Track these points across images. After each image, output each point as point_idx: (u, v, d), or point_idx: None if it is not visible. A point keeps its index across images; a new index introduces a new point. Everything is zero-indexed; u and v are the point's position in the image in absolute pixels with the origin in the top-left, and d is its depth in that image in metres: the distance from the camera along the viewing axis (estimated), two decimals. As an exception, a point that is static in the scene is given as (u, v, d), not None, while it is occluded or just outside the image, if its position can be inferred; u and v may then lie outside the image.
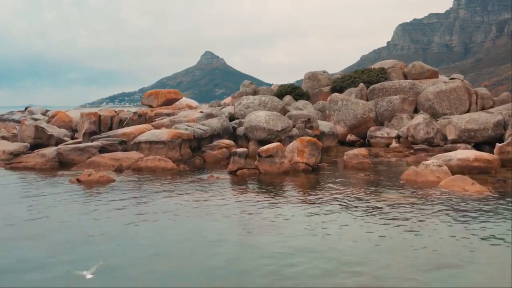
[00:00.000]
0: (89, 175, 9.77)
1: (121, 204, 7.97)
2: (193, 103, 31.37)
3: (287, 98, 20.08)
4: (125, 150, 13.11)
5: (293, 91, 21.12)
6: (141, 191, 9.17)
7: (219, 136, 14.81)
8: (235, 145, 14.22)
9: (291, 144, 11.69)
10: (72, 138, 15.66)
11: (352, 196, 8.56)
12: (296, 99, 20.74)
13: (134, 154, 12.25)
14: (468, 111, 18.96)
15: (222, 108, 19.38)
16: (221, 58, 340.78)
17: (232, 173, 10.87)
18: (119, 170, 11.46)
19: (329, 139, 15.86)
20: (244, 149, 11.02)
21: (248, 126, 14.17)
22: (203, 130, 14.11)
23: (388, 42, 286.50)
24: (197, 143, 14.14)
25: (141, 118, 15.89)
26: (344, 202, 8.00)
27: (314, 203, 7.96)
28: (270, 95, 21.18)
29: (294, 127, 14.90)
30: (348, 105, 18.04)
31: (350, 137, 17.31)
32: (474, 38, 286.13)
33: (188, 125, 14.22)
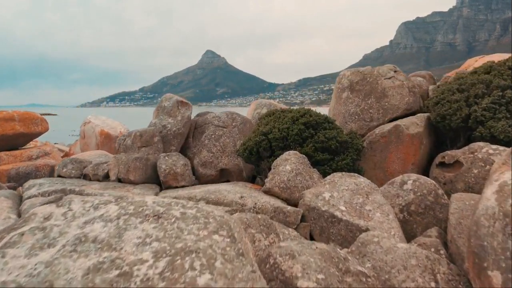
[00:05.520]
0: None
1: None
2: (116, 128, 16.05)
3: (291, 163, 5.08)
4: None
5: (309, 134, 5.98)
6: None
7: None
8: None
9: None
10: None
11: None
12: (320, 163, 5.68)
13: None
14: None
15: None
16: (222, 57, 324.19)
17: None
18: None
19: None
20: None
21: None
22: None
23: (390, 41, 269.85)
24: None
25: None
26: None
27: None
28: (247, 139, 5.96)
29: None
30: None
31: None
32: (478, 36, 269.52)
33: None
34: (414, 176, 5.25)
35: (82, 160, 6.95)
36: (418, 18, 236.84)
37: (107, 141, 14.93)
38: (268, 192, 5.20)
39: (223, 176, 6.57)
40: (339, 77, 7.58)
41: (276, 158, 5.51)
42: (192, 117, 7.64)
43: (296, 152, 5.43)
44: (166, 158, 6.14)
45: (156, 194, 5.75)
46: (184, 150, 7.06)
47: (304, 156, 5.43)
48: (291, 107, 6.69)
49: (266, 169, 5.71)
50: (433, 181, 5.18)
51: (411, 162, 6.14)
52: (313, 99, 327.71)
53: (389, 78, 7.14)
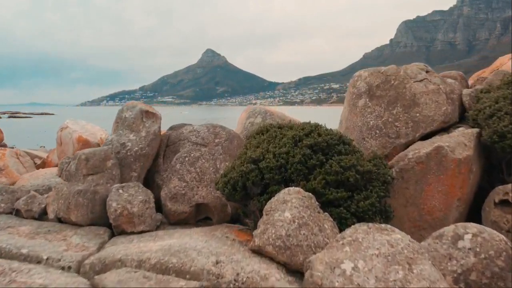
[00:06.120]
0: None
1: None
2: (97, 134, 14.19)
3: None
4: None
5: (318, 161, 4.17)
6: None
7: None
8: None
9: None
10: None
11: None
12: (334, 203, 3.98)
13: None
14: None
15: None
16: (222, 56, 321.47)
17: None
18: None
19: None
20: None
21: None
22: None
23: (391, 40, 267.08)
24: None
25: None
26: None
27: None
28: (229, 167, 4.19)
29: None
30: None
31: None
32: (478, 35, 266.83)
33: None
34: (473, 227, 3.54)
35: (15, 190, 5.24)
36: (418, 17, 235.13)
37: (85, 148, 13.25)
38: (258, 252, 3.50)
39: (200, 212, 4.87)
40: (354, 79, 5.86)
41: (270, 196, 3.82)
42: (165, 130, 5.94)
43: (299, 189, 3.73)
44: (120, 191, 4.43)
45: (102, 245, 4.04)
46: (152, 176, 5.35)
47: (310, 195, 3.73)
48: (291, 121, 4.99)
49: (256, 212, 4.00)
50: (503, 236, 3.47)
51: (456, 197, 4.43)
52: (313, 98, 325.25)
53: (420, 81, 5.42)
